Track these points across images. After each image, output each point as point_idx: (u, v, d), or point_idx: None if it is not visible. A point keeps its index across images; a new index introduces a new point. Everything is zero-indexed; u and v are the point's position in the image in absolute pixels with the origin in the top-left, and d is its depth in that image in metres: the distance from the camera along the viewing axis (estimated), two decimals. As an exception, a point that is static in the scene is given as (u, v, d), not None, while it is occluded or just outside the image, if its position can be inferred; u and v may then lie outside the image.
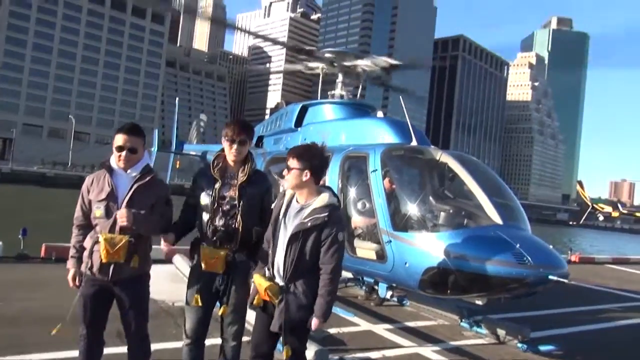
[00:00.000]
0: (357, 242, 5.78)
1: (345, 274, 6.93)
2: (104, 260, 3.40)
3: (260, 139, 9.19)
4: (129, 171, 3.53)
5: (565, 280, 4.51)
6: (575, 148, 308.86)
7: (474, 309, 6.87)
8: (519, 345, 6.26)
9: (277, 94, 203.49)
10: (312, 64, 8.18)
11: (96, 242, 3.45)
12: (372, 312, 7.37)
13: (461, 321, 7.00)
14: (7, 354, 4.58)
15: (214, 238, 3.70)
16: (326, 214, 3.22)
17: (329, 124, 7.29)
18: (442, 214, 5.23)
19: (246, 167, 3.79)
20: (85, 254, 3.52)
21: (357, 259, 5.72)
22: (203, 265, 3.65)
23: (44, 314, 5.47)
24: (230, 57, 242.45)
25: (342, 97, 7.89)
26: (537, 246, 4.78)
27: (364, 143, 6.28)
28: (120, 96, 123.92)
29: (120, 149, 3.47)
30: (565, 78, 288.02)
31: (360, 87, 8.42)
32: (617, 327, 8.26)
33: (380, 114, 7.11)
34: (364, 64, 8.06)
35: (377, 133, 6.39)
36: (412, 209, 5.29)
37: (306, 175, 3.33)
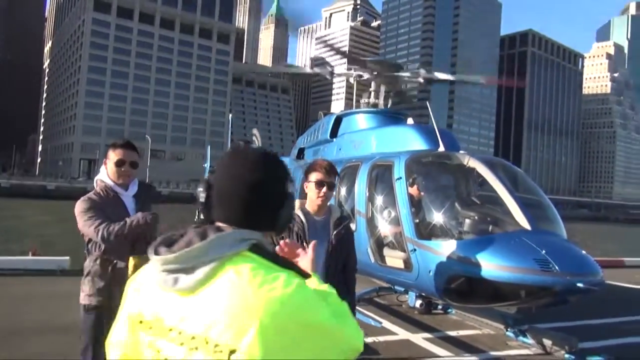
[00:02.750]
0: (386, 251, 5.75)
1: (378, 283, 6.89)
2: None
3: (302, 150, 9.37)
4: (129, 189, 3.38)
5: (597, 289, 4.25)
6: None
7: (519, 317, 6.59)
8: (566, 356, 5.92)
9: (340, 104, 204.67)
10: (340, 71, 8.28)
11: (114, 268, 3.23)
12: (413, 321, 7.26)
13: (506, 330, 6.73)
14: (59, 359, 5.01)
15: None
16: (346, 218, 3.52)
17: (361, 133, 7.32)
18: (467, 220, 5.09)
19: None
20: (99, 287, 3.25)
21: (385, 267, 5.69)
22: None
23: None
24: (327, 77, 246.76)
25: (375, 105, 7.91)
26: (566, 252, 4.53)
27: (392, 151, 6.26)
28: (192, 114, 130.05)
29: (121, 162, 3.28)
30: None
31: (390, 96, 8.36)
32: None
33: (410, 121, 7.05)
34: (404, 75, 8.05)
35: (404, 140, 6.34)
36: (435, 216, 5.20)
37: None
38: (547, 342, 6.17)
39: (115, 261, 3.20)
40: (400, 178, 5.48)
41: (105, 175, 3.34)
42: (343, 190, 6.63)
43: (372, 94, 8.04)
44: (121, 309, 1.32)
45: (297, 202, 3.43)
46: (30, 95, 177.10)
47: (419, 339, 6.47)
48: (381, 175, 5.99)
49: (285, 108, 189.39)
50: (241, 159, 1.29)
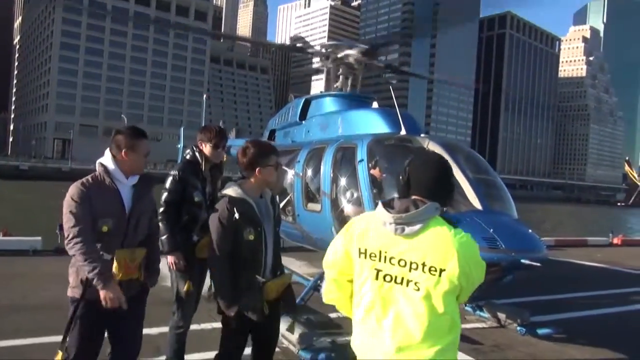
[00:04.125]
0: (348, 231, 5.99)
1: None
2: (119, 279, 3.04)
3: (273, 132, 9.50)
4: (129, 178, 3.17)
5: (539, 265, 4.55)
6: (637, 123, 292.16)
7: (476, 294, 6.94)
8: (518, 328, 6.31)
9: (320, 84, 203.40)
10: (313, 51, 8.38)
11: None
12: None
13: (465, 306, 7.08)
14: (33, 335, 5.17)
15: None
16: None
17: (328, 116, 7.49)
18: (423, 201, 5.33)
19: (222, 166, 4.20)
20: (82, 278, 3.02)
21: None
22: (200, 253, 3.95)
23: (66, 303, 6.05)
24: (273, 49, 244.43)
25: (340, 89, 8.06)
26: (512, 230, 4.83)
27: (357, 133, 6.46)
28: (168, 93, 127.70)
29: (147, 154, 3.23)
30: (623, 50, 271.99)
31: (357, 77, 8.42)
32: (627, 311, 8.02)
33: (375, 104, 7.24)
34: (356, 56, 7.95)
35: (368, 123, 6.54)
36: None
37: None
38: (502, 316, 6.57)
39: (101, 253, 3.03)
40: (362, 160, 5.69)
41: (110, 159, 3.13)
42: (310, 172, 6.83)
43: (341, 77, 8.18)
44: (339, 243, 2.23)
45: (232, 188, 3.26)
46: (0, 72, 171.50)
47: (382, 314, 6.77)
48: (345, 158, 6.18)
49: (264, 88, 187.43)
50: (431, 160, 2.21)
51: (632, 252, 15.59)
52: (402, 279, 2.01)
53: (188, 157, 4.25)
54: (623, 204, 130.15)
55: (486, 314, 6.78)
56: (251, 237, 3.14)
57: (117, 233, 3.05)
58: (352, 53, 7.71)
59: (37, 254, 9.58)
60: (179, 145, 13.73)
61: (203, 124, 20.84)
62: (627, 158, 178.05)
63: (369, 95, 8.08)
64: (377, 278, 2.06)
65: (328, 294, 2.36)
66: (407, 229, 2.00)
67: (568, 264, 12.24)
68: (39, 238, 9.95)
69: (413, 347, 1.98)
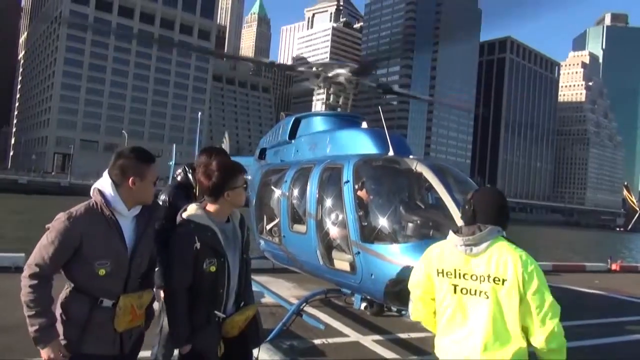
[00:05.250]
0: (333, 254, 5.79)
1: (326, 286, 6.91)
2: (122, 328, 2.61)
3: (263, 151, 9.35)
4: (132, 208, 2.69)
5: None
6: (636, 148, 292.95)
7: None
8: (510, 359, 6.05)
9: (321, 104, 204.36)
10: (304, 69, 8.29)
11: (95, 307, 2.57)
12: (366, 323, 7.30)
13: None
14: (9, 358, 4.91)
15: None
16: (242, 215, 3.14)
17: (317, 136, 7.34)
18: (409, 225, 5.15)
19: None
20: (76, 329, 2.56)
21: (333, 270, 5.73)
22: None
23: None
24: (275, 68, 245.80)
25: (332, 108, 7.93)
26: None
27: (344, 154, 6.30)
28: (170, 110, 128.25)
29: (156, 180, 2.79)
30: (622, 76, 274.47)
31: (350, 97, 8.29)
32: (626, 341, 7.75)
33: (364, 124, 7.11)
34: (348, 76, 7.80)
35: (356, 144, 6.38)
36: (379, 220, 5.26)
37: None
38: (493, 345, 6.29)
39: (100, 299, 2.57)
40: (348, 181, 5.52)
41: (110, 186, 2.62)
42: (296, 192, 6.65)
43: (332, 96, 8.06)
44: (420, 266, 2.68)
45: (195, 213, 2.92)
46: (4, 86, 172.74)
47: (369, 341, 6.51)
48: (331, 178, 6.02)
49: (265, 107, 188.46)
50: (492, 192, 2.66)
51: (630, 278, 15.29)
52: (475, 290, 2.43)
53: (179, 178, 3.99)
54: (622, 229, 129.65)
55: (477, 343, 6.51)
56: (212, 269, 2.79)
57: (118, 276, 2.59)
58: (342, 72, 7.60)
59: (19, 271, 9.30)
60: (171, 163, 13.64)
61: (197, 140, 20.75)
62: (625, 183, 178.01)
63: (359, 115, 7.96)
64: (455, 292, 2.48)
65: (415, 312, 2.78)
66: (475, 249, 2.43)
67: (565, 290, 11.96)
68: (22, 255, 9.66)
69: (493, 347, 2.36)
